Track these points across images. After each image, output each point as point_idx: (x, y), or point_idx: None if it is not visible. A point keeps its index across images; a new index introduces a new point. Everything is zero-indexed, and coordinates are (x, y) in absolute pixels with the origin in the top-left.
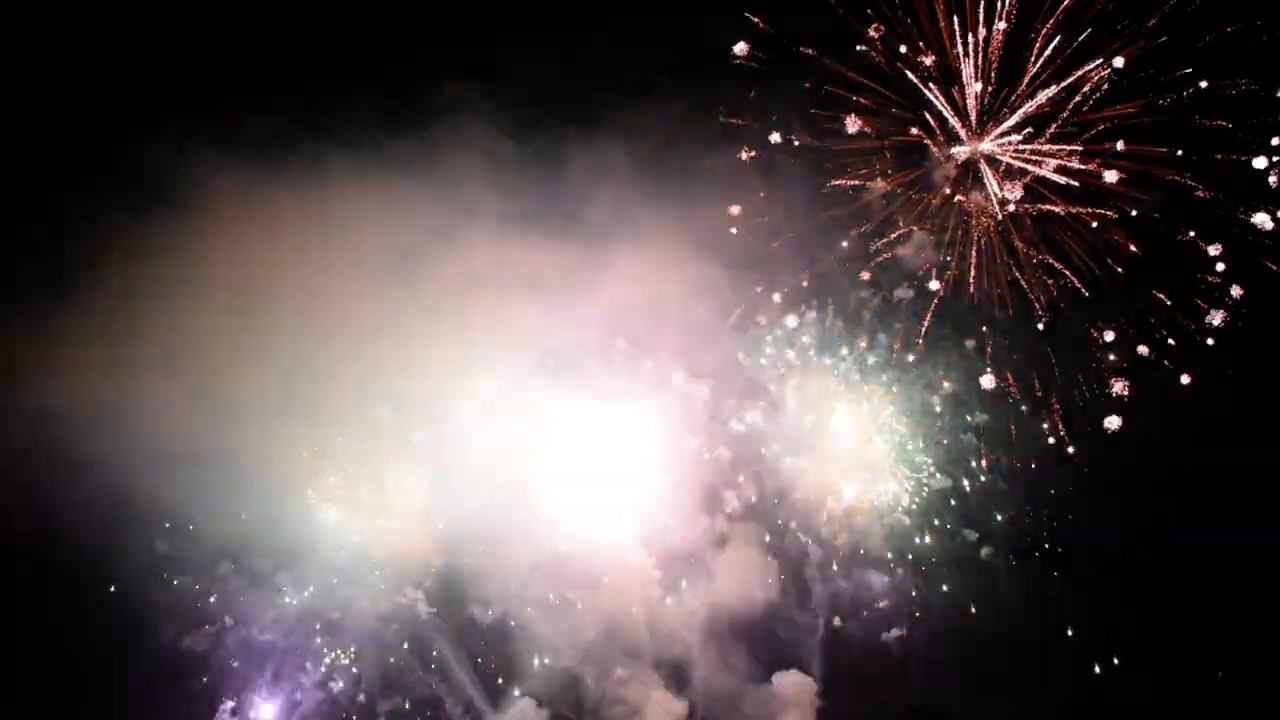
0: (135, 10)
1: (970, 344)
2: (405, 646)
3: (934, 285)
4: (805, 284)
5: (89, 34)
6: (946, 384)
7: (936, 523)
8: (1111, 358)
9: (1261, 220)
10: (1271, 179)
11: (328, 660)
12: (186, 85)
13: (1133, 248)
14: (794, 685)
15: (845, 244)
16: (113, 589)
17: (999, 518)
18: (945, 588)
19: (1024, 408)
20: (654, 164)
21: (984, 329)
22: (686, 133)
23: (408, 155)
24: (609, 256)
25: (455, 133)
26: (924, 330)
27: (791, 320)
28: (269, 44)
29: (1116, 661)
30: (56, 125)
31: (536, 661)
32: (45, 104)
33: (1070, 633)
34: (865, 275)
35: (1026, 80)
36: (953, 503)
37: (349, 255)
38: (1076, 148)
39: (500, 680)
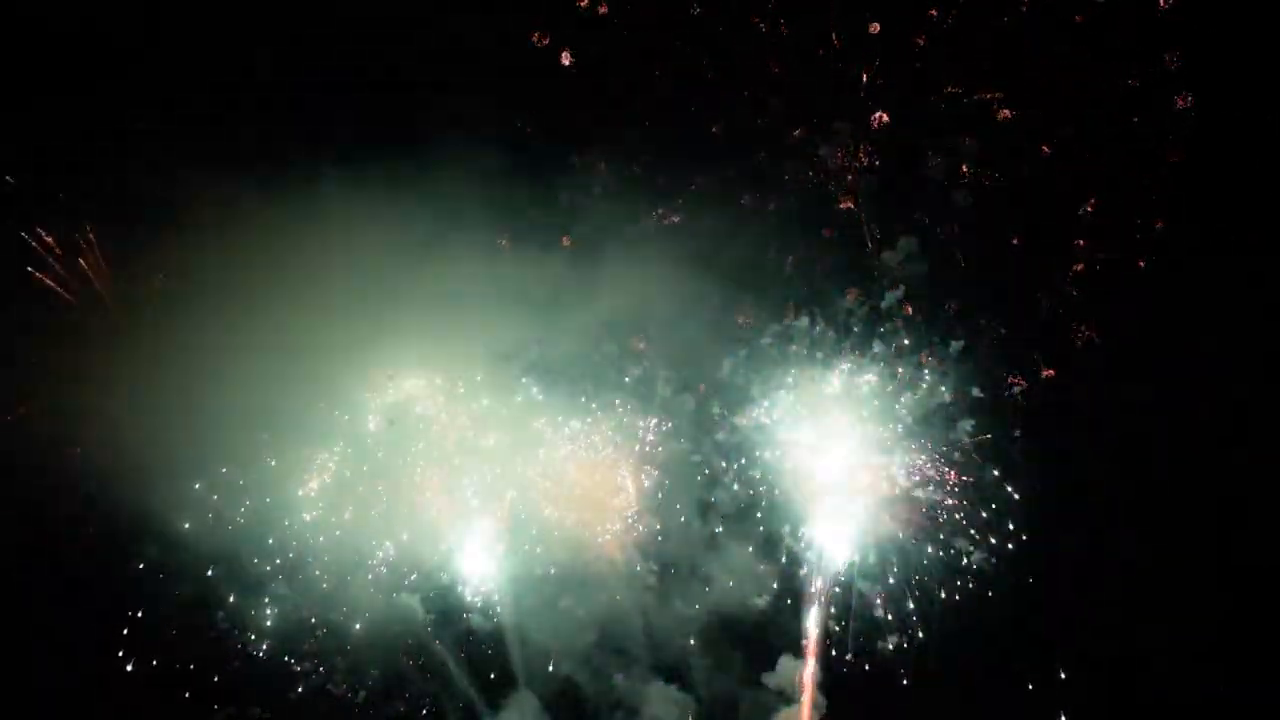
0: (123, 18)
1: (959, 345)
2: (403, 651)
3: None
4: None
5: (79, 40)
6: (940, 389)
7: (931, 527)
8: None
9: None
10: None
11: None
12: (175, 97)
13: None
14: (790, 678)
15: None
16: (106, 597)
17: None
18: (940, 596)
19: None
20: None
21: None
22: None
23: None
24: (600, 264)
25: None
26: (915, 336)
27: (780, 326)
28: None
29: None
30: (45, 134)
31: (535, 666)
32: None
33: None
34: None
35: None
36: (945, 510)
37: (338, 266)
38: None
39: (499, 685)
